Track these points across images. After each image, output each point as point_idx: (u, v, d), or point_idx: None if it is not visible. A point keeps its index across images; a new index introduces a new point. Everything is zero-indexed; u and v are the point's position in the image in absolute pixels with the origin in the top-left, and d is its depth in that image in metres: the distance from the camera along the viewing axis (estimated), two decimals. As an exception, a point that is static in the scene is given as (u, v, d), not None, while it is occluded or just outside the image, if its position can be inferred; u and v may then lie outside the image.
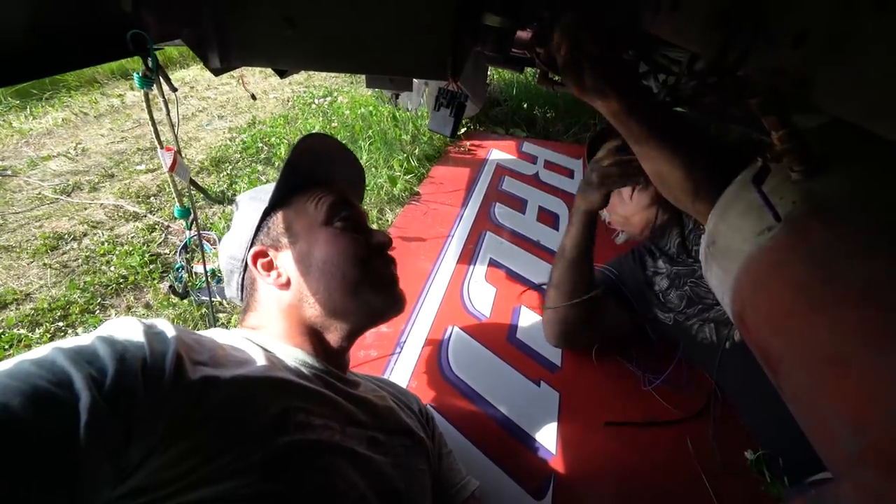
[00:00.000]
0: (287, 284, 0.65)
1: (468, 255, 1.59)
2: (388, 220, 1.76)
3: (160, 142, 0.79)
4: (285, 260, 0.66)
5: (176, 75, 3.76)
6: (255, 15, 0.79)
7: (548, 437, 1.01)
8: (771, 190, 0.54)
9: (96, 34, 0.65)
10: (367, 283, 0.64)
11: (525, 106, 2.88)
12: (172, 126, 0.80)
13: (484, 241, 1.67)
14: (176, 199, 0.86)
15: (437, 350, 1.21)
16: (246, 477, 0.43)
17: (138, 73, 0.70)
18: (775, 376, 0.55)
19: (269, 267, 0.66)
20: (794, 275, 0.52)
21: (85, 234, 1.68)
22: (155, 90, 0.74)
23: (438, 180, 2.08)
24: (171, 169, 0.79)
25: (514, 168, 2.21)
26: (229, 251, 0.72)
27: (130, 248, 1.56)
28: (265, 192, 0.72)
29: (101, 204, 1.88)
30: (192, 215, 0.90)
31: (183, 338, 0.48)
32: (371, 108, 2.59)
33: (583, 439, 1.01)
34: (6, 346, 1.18)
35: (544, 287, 1.43)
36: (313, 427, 0.51)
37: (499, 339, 1.25)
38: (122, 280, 1.43)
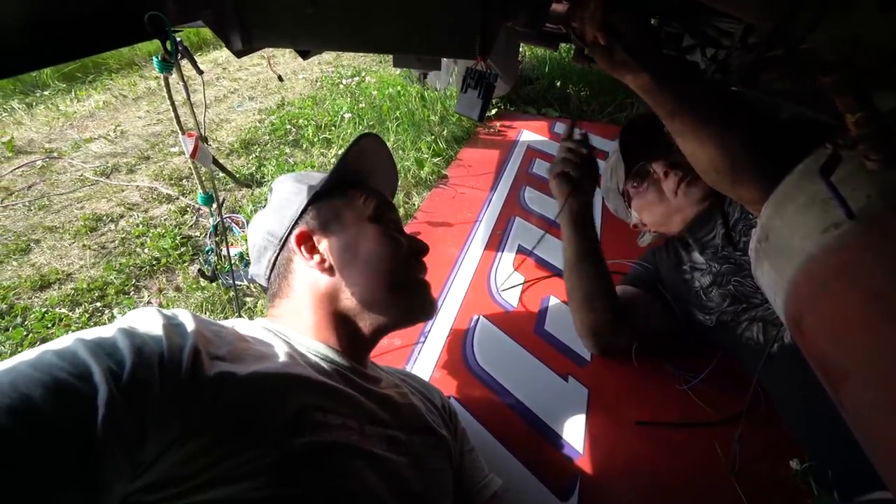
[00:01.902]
0: (330, 270, 0.64)
1: (496, 242, 1.54)
2: (414, 205, 1.73)
3: (181, 128, 0.78)
4: (331, 246, 0.65)
5: (209, 56, 3.80)
6: (275, -8, 0.76)
7: (575, 436, 0.97)
8: (840, 181, 0.48)
9: (112, 17, 0.63)
10: (407, 284, 0.67)
11: (558, 84, 2.75)
12: (194, 111, 0.79)
13: (513, 226, 1.62)
14: (199, 186, 0.85)
15: (462, 340, 1.18)
16: (259, 479, 0.42)
17: (157, 58, 0.69)
18: (836, 392, 0.49)
19: (312, 250, 0.65)
20: (866, 280, 0.46)
21: (122, 216, 1.73)
22: (175, 75, 0.73)
23: (467, 163, 2.02)
24: (193, 155, 0.77)
25: (546, 150, 2.13)
26: (267, 227, 0.70)
27: (163, 231, 1.59)
28: (311, 177, 0.73)
29: (137, 186, 1.93)
30: (216, 202, 0.90)
31: (202, 331, 0.47)
32: (399, 87, 2.54)
33: (612, 439, 0.97)
34: (49, 325, 1.24)
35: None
36: (330, 427, 0.50)
37: (526, 330, 1.21)
38: (154, 262, 1.46)
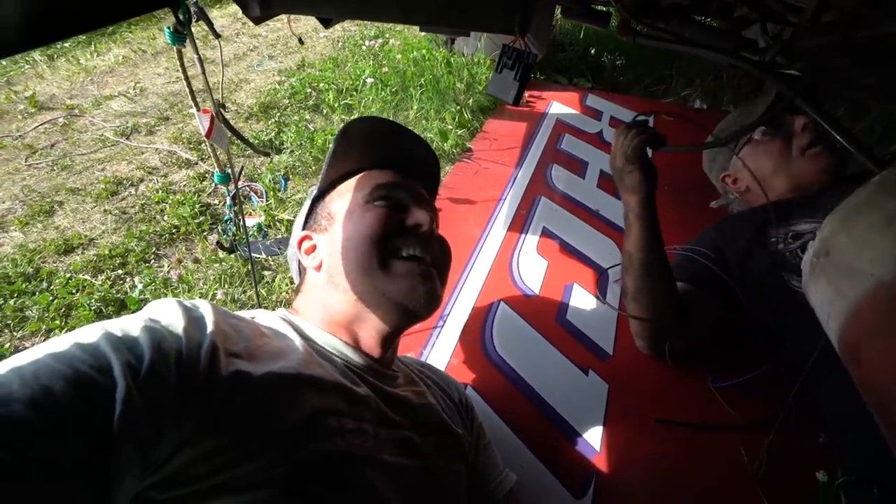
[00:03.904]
0: (320, 266, 0.63)
1: (520, 223, 1.49)
2: (436, 180, 1.67)
3: (197, 105, 0.74)
4: (323, 242, 0.64)
5: (228, 10, 3.67)
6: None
7: (592, 433, 0.95)
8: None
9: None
10: (381, 266, 0.58)
11: (592, 52, 2.59)
12: (210, 87, 0.74)
13: (538, 207, 1.55)
14: (215, 165, 0.82)
15: (481, 326, 1.16)
16: (268, 489, 0.41)
17: (168, 29, 0.64)
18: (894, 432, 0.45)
19: (312, 250, 0.65)
20: (952, 321, 0.40)
21: (142, 180, 1.72)
22: (189, 47, 0.68)
23: (492, 135, 1.94)
24: (209, 135, 0.74)
25: (576, 125, 2.02)
26: (291, 239, 0.72)
27: (182, 198, 1.57)
28: None
29: (157, 149, 1.91)
30: (233, 180, 0.86)
31: (221, 325, 0.46)
32: (424, 51, 2.41)
33: (630, 437, 0.95)
34: (73, 291, 1.25)
35: (609, 270, 1.32)
36: (344, 432, 0.48)
37: (547, 319, 1.18)
38: (174, 230, 1.45)
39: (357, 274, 0.58)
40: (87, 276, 1.29)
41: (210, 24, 0.80)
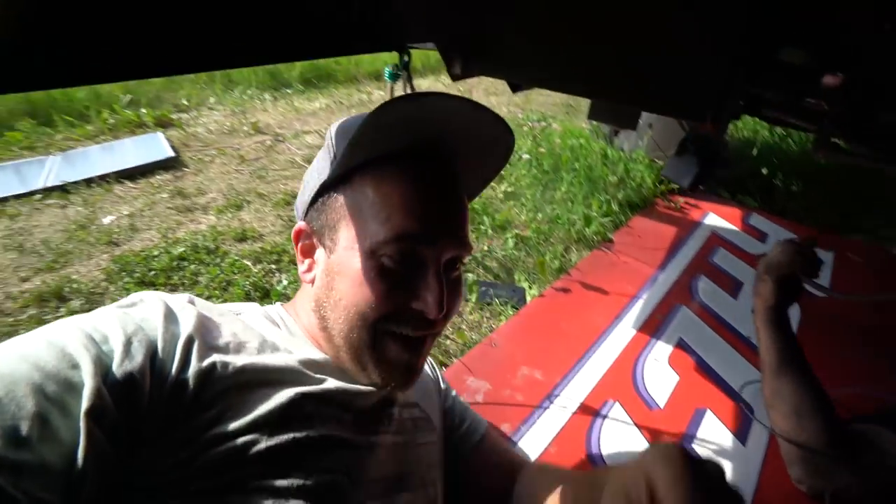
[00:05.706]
0: (312, 282, 0.53)
1: (653, 327, 1.35)
2: (571, 261, 1.64)
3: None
4: (320, 260, 0.52)
5: (416, 82, 4.28)
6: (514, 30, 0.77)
7: None
8: None
9: (361, 28, 0.71)
10: (370, 347, 0.50)
11: (764, 172, 2.40)
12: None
13: (677, 315, 1.41)
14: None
15: (589, 421, 1.04)
16: (245, 470, 0.40)
17: (389, 68, 0.75)
18: None
19: (309, 251, 0.54)
20: None
21: (311, 199, 1.99)
22: (399, 84, 0.79)
23: (637, 232, 1.86)
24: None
25: (735, 241, 1.84)
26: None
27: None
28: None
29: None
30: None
31: (202, 319, 0.46)
32: (583, 140, 2.49)
33: None
34: (235, 272, 1.45)
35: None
36: (322, 418, 0.47)
37: (668, 440, 1.01)
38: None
39: (343, 343, 0.51)
40: (248, 263, 1.49)
41: (409, 78, 0.93)
